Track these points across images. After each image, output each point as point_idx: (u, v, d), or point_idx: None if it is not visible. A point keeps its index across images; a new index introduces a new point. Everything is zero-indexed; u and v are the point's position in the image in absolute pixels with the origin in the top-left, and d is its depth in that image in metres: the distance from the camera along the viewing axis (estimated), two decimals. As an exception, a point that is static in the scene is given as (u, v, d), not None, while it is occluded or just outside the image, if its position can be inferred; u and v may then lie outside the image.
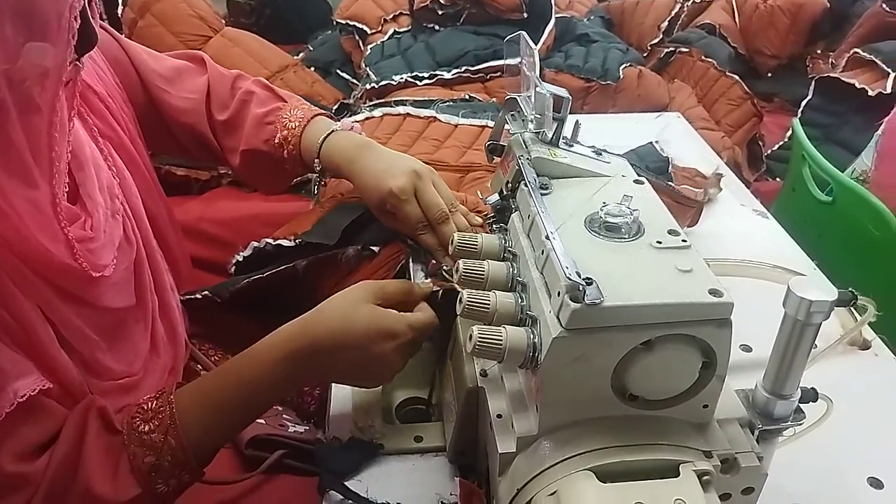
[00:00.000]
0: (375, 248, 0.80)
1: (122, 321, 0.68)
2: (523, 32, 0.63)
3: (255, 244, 0.84)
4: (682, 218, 1.02)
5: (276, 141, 0.84)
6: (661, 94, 1.69)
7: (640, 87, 1.67)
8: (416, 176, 0.76)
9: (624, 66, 1.66)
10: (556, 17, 1.76)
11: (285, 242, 0.81)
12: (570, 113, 0.63)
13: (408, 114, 1.17)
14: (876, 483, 0.66)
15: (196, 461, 0.60)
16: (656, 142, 1.17)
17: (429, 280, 0.73)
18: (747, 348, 0.78)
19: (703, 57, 1.89)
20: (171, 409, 0.59)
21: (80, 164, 0.63)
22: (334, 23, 1.95)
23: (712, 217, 1.07)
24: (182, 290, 0.82)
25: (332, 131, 0.83)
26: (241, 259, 0.85)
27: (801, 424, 0.54)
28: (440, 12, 1.80)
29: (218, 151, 0.88)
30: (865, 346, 0.82)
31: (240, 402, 0.62)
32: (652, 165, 1.09)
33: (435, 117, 1.15)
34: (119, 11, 1.67)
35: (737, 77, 1.84)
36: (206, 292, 0.82)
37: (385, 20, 1.85)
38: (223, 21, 1.72)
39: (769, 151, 1.91)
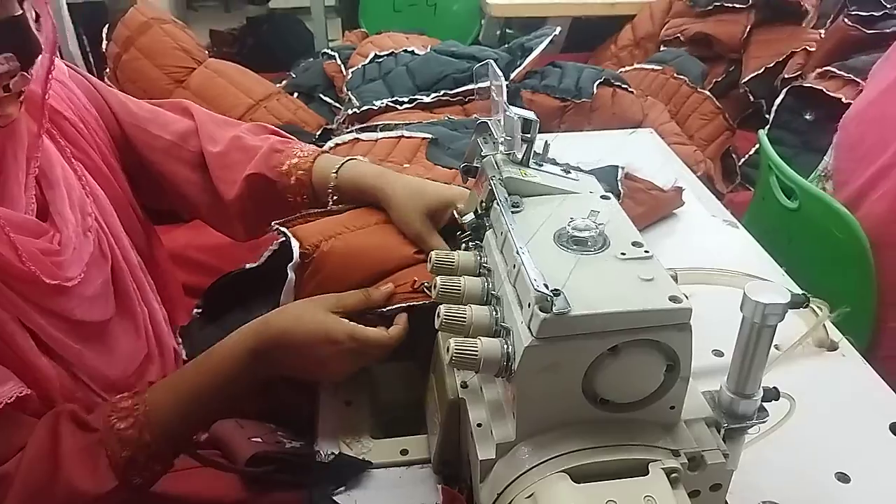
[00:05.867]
0: None
1: (105, 331, 0.70)
2: (490, 61, 0.67)
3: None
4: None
5: (285, 168, 0.83)
6: (634, 112, 1.73)
7: (614, 106, 1.71)
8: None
9: (597, 82, 1.70)
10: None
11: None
12: (548, 132, 0.66)
13: (402, 136, 1.17)
14: (843, 478, 0.69)
15: (170, 452, 0.65)
16: (622, 167, 1.11)
17: (390, 284, 0.72)
18: (719, 353, 0.81)
19: (675, 74, 1.94)
20: (144, 407, 0.63)
21: (50, 184, 0.66)
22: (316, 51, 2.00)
23: (684, 228, 1.11)
24: (174, 314, 0.85)
25: (352, 159, 0.84)
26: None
27: (765, 422, 0.57)
28: None
29: (190, 192, 0.87)
30: (833, 347, 0.86)
31: (210, 393, 0.66)
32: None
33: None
34: (104, 46, 1.70)
35: (708, 93, 1.89)
36: (197, 310, 0.83)
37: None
38: (206, 52, 1.75)
39: (745, 157, 1.95)
